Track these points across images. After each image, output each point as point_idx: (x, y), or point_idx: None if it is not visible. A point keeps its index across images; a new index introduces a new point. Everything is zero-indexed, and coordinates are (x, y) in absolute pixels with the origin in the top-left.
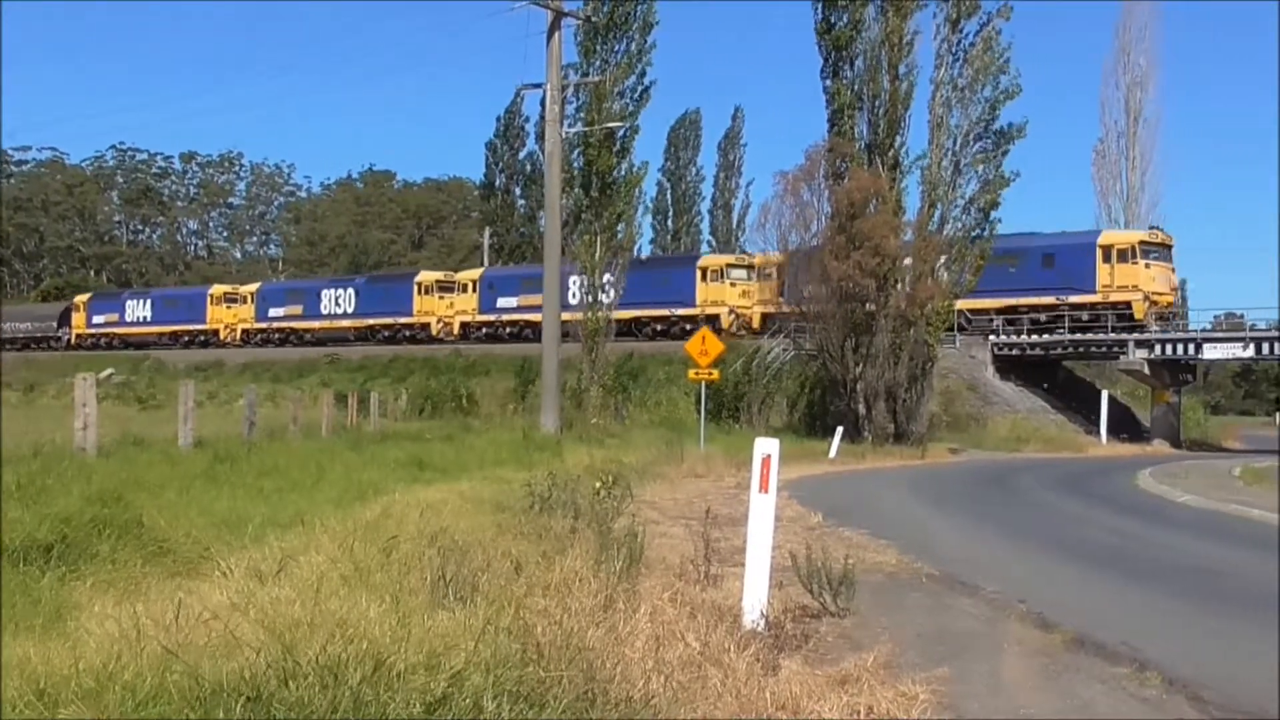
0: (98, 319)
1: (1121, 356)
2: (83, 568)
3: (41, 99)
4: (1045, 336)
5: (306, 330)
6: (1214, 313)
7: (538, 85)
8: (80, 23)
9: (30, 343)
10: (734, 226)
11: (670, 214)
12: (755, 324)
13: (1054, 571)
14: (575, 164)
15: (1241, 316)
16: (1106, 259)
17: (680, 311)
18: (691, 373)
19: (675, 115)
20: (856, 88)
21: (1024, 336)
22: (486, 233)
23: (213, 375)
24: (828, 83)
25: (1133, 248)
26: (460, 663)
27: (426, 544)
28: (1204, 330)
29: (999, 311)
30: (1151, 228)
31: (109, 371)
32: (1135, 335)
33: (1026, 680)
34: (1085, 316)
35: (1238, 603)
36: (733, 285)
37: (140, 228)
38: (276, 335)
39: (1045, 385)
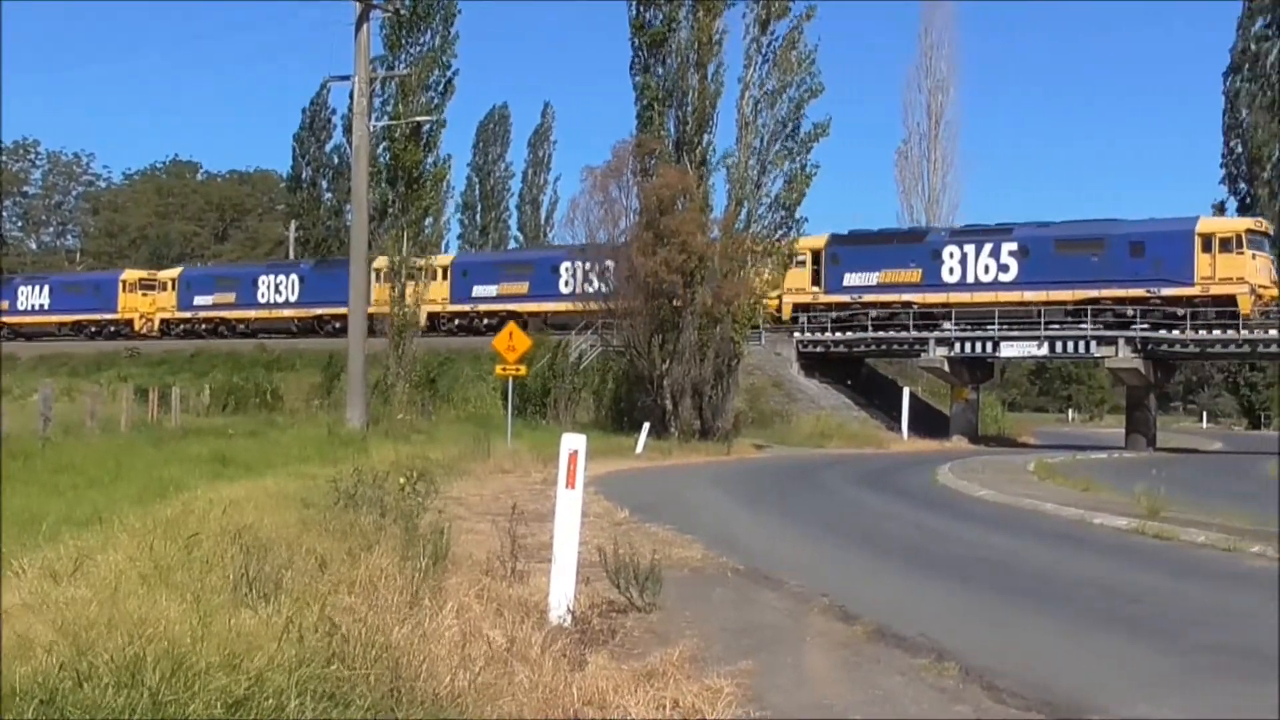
0: None
1: (922, 354)
2: None
3: None
4: (848, 334)
5: (241, 321)
6: None
7: (346, 78)
8: None
9: None
10: (542, 222)
11: (479, 209)
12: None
13: (856, 565)
14: (382, 158)
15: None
16: (1206, 248)
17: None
18: (499, 368)
19: (485, 111)
20: (667, 84)
21: (828, 334)
22: (293, 226)
23: (6, 369)
24: (638, 79)
25: (1238, 236)
26: (263, 662)
27: (229, 541)
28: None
29: (1078, 304)
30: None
31: None
32: (935, 334)
33: (829, 672)
34: (1180, 312)
35: (1032, 594)
36: None
37: None
38: (203, 326)
39: (849, 382)
